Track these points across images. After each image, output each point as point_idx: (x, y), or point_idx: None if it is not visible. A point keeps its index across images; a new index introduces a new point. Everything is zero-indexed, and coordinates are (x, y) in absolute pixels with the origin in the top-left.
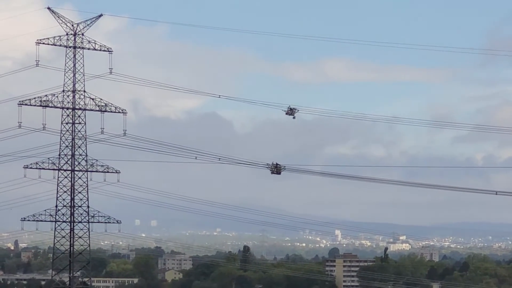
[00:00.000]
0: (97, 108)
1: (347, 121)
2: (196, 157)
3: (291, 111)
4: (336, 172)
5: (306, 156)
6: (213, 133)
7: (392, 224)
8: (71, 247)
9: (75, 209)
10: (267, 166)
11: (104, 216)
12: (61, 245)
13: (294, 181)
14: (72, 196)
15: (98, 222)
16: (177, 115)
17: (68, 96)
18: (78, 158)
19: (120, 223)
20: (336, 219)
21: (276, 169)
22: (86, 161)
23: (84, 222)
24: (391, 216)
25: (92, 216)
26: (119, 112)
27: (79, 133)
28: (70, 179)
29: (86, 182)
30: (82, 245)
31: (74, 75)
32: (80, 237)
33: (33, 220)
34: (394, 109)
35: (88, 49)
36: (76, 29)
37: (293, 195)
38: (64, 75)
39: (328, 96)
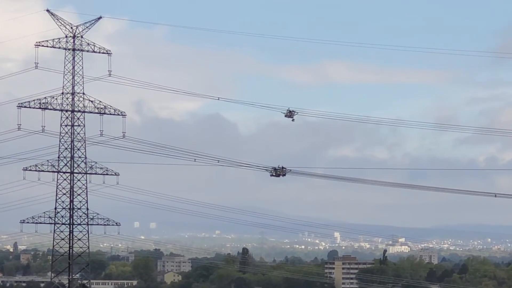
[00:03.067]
0: (96, 111)
1: (351, 123)
2: (195, 159)
3: (290, 114)
4: (338, 174)
5: (309, 158)
6: (216, 135)
7: (392, 226)
8: (70, 249)
9: (74, 211)
10: (267, 168)
11: (103, 218)
12: (60, 247)
13: (296, 183)
14: (72, 199)
15: (97, 225)
16: (181, 117)
17: (67, 98)
18: (77, 160)
19: (119, 225)
20: (336, 221)
21: (276, 172)
22: (85, 163)
23: (83, 224)
24: (390, 218)
25: (91, 219)
26: (118, 114)
27: (78, 135)
28: (69, 182)
29: (85, 185)
30: (81, 247)
31: (73, 77)
32: (79, 239)
33: (32, 222)
34: (397, 111)
35: (87, 51)
36: (76, 31)
37: (294, 197)
38: (64, 77)
39: (331, 98)
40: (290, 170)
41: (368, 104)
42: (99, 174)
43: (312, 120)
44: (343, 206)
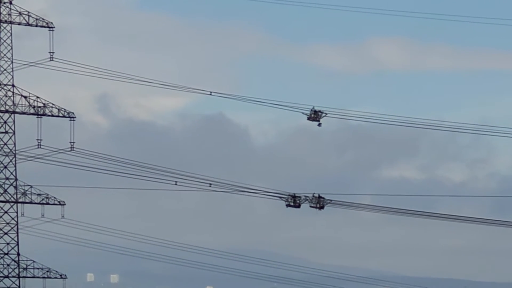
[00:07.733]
0: (32, 111)
1: (412, 130)
2: (176, 182)
3: (315, 115)
4: (392, 205)
5: (350, 181)
6: (216, 145)
7: (468, 280)
8: None
9: None
10: (281, 195)
11: (42, 269)
12: None
13: (326, 218)
14: None
15: (33, 277)
16: (166, 119)
17: None
18: (4, 183)
19: (66, 278)
20: (385, 273)
21: (294, 202)
22: (15, 187)
23: (13, 277)
24: (465, 269)
25: (23, 269)
26: (63, 116)
27: (5, 147)
28: None
29: (15, 219)
30: None
31: None
32: None
33: None
34: (482, 112)
35: (19, 24)
36: None
37: (322, 238)
38: None
39: (382, 93)
40: (331, 201)
41: (438, 101)
42: (35, 203)
43: (355, 124)
44: (396, 251)
